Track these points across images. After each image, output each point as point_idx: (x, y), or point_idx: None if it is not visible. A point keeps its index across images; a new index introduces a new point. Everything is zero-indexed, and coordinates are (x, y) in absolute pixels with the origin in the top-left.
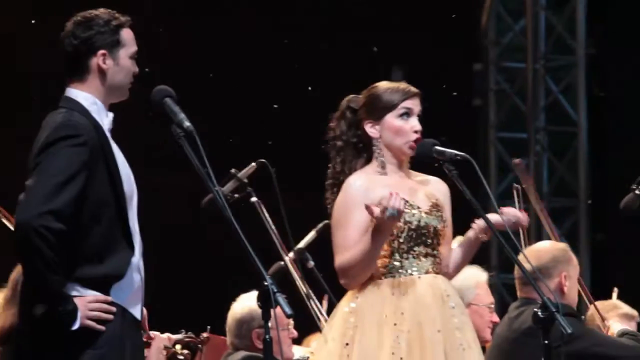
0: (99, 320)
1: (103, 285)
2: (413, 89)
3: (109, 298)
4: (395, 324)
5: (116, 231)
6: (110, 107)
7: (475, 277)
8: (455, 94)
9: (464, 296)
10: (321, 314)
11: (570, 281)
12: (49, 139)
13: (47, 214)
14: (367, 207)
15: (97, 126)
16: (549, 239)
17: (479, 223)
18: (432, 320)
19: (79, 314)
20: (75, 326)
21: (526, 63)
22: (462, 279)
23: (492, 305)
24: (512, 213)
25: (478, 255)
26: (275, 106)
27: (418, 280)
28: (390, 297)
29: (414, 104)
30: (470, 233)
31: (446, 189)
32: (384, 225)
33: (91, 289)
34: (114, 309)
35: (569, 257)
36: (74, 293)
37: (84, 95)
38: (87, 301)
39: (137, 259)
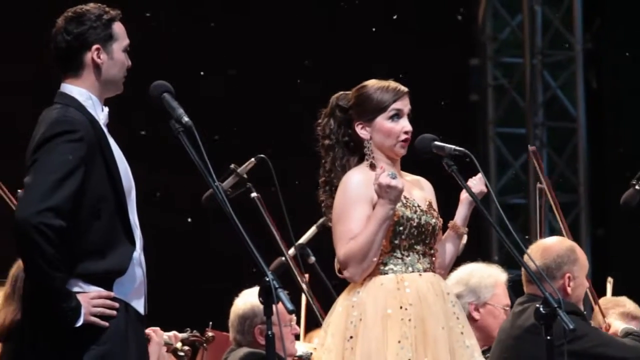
0: (102, 316)
1: (105, 280)
2: (403, 88)
3: (112, 293)
4: (402, 319)
5: (116, 226)
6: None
7: (494, 276)
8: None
9: (480, 294)
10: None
11: (575, 282)
12: (45, 135)
13: (46, 210)
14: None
15: (93, 121)
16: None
17: (454, 222)
18: (436, 317)
19: (82, 311)
20: (79, 323)
21: (523, 58)
22: (480, 276)
23: (508, 308)
24: (477, 185)
25: (479, 251)
26: None
27: (419, 278)
28: (394, 292)
29: (404, 104)
30: (449, 231)
31: (431, 188)
32: (385, 198)
33: (93, 285)
34: (117, 304)
35: (574, 258)
36: (76, 289)
37: (79, 91)
38: (89, 297)
39: (138, 253)
